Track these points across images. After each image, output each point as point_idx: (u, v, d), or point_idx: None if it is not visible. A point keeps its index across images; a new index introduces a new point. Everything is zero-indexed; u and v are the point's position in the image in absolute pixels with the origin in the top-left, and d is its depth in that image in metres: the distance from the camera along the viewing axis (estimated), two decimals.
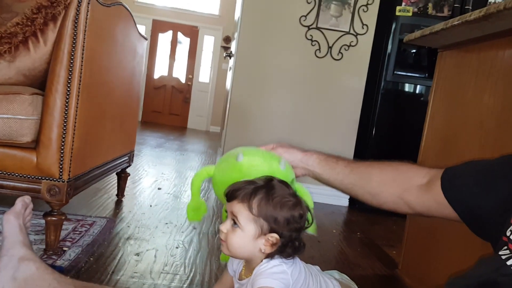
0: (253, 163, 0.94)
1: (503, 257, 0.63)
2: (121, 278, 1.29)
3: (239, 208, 0.83)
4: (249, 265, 0.88)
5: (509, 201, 0.75)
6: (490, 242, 0.83)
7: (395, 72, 2.76)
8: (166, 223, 1.87)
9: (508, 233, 0.64)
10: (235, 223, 0.83)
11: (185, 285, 1.30)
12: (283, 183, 0.87)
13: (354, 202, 2.87)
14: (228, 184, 0.90)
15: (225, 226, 0.85)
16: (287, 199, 0.83)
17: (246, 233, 0.82)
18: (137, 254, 1.48)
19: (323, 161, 1.06)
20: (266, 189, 0.83)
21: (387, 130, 2.81)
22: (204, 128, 8.00)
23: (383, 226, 2.51)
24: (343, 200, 2.90)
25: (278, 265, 0.83)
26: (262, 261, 0.85)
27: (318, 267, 0.96)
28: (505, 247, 0.64)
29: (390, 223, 2.63)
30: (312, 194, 2.90)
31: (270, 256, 0.84)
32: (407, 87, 2.83)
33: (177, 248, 1.59)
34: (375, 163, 1.05)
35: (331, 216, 2.57)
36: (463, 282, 0.67)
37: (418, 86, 2.82)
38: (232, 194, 0.85)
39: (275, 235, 0.82)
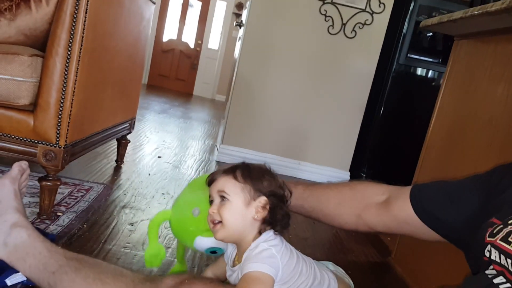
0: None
1: (490, 276, 0.62)
2: (113, 248, 1.28)
3: (225, 181, 0.87)
4: (240, 249, 0.87)
5: (478, 216, 0.75)
6: (463, 251, 0.84)
7: (408, 55, 2.68)
8: (163, 194, 1.87)
9: (487, 254, 0.64)
10: (223, 199, 0.86)
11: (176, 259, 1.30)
12: (258, 163, 0.93)
13: None
14: (184, 235, 0.97)
15: (214, 207, 0.87)
16: (265, 170, 0.90)
17: (236, 203, 0.85)
18: (131, 224, 1.48)
19: None
20: (245, 164, 0.90)
21: (394, 115, 2.76)
22: (209, 96, 7.94)
23: None
24: None
25: (266, 249, 0.83)
26: (252, 242, 0.84)
27: (311, 259, 0.95)
28: (491, 267, 0.63)
29: None
30: (312, 173, 2.90)
31: (263, 225, 0.86)
32: (419, 71, 2.76)
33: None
34: (333, 184, 1.05)
35: None
36: None
37: (431, 71, 2.75)
38: (213, 176, 0.90)
39: (263, 197, 0.85)
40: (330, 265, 1.03)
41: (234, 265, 0.89)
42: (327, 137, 2.84)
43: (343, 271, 1.03)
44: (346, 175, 2.89)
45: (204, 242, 0.95)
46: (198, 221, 0.93)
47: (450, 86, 1.54)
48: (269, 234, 0.86)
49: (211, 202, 0.90)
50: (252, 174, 0.87)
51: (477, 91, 1.36)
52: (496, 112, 1.23)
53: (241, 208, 0.85)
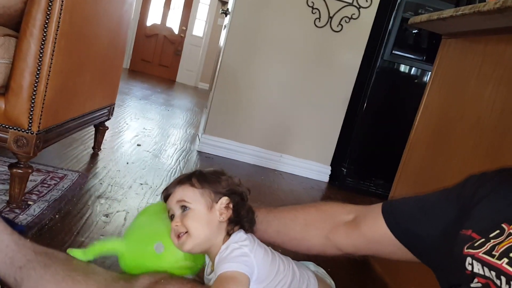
0: (175, 257, 0.87)
1: None
2: (86, 240, 1.24)
3: (183, 191, 0.85)
4: (212, 256, 0.85)
5: (452, 228, 0.73)
6: (434, 270, 0.82)
7: (393, 51, 2.67)
8: (141, 184, 1.81)
9: (469, 267, 0.63)
10: (184, 210, 0.84)
11: None
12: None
13: (334, 179, 2.85)
14: (141, 271, 0.86)
15: (176, 219, 0.85)
16: (220, 172, 0.91)
17: (199, 209, 0.84)
18: (106, 215, 1.43)
19: None
20: (199, 171, 0.89)
21: (378, 111, 2.75)
22: (193, 84, 7.84)
23: None
24: (324, 176, 2.88)
25: (237, 248, 0.81)
26: (223, 245, 0.83)
27: (289, 258, 0.92)
28: (475, 280, 0.62)
29: (367, 202, 2.61)
30: (293, 166, 2.89)
31: (230, 226, 0.85)
32: (403, 68, 2.75)
33: None
34: (299, 206, 1.02)
35: (310, 192, 2.54)
36: None
37: (414, 69, 2.75)
38: (169, 189, 0.88)
39: (224, 197, 0.85)
40: (311, 265, 1.00)
41: (209, 273, 0.86)
42: (309, 131, 2.82)
43: (325, 272, 1.00)
44: (327, 169, 2.88)
45: None
46: (162, 259, 0.86)
47: (437, 85, 1.52)
48: (238, 234, 0.85)
49: (171, 216, 0.87)
50: (208, 178, 0.87)
51: (465, 91, 1.35)
52: (484, 113, 1.22)
53: (204, 213, 0.83)
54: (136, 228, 0.94)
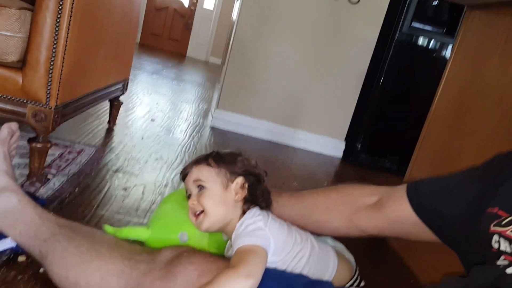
0: (199, 245, 0.90)
1: (501, 266, 0.61)
2: (105, 214, 1.25)
3: (199, 170, 0.88)
4: (230, 234, 0.86)
5: (475, 208, 0.73)
6: (457, 251, 0.83)
7: (412, 24, 2.60)
8: (157, 159, 1.82)
9: (495, 245, 0.62)
10: (200, 189, 0.86)
11: None
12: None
13: (348, 154, 2.84)
14: None
15: (192, 198, 0.87)
16: (237, 153, 0.93)
17: (215, 188, 0.86)
18: (125, 189, 1.44)
19: None
20: (216, 151, 0.92)
21: (394, 85, 2.70)
22: (203, 58, 7.77)
23: (373, 183, 2.48)
24: (337, 151, 2.86)
25: (251, 223, 0.82)
26: (237, 223, 0.84)
27: (308, 232, 0.93)
28: (502, 258, 0.62)
29: (381, 179, 2.62)
30: (307, 141, 2.88)
31: (246, 205, 0.86)
32: (422, 41, 2.68)
33: (165, 186, 1.55)
34: (319, 190, 1.02)
35: (323, 167, 2.54)
36: (461, 283, 0.64)
37: (433, 42, 2.67)
38: (186, 170, 0.91)
39: (240, 177, 0.88)
40: (329, 239, 1.00)
41: (227, 251, 0.88)
42: (324, 105, 2.79)
43: (343, 246, 1.01)
44: (341, 145, 2.86)
45: None
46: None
47: (459, 60, 1.49)
48: (253, 211, 0.86)
49: (188, 196, 0.89)
50: (225, 159, 0.89)
51: (488, 67, 1.31)
52: (508, 90, 1.19)
53: (220, 192, 0.85)
54: (160, 217, 0.97)
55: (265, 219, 0.84)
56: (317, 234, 0.98)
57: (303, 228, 0.95)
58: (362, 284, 0.94)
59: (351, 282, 0.92)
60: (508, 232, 0.61)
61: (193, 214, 0.86)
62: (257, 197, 0.89)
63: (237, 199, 0.86)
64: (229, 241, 0.90)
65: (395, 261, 1.48)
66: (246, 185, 0.88)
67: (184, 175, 0.92)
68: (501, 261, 0.61)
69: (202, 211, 0.85)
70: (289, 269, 0.83)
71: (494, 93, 1.25)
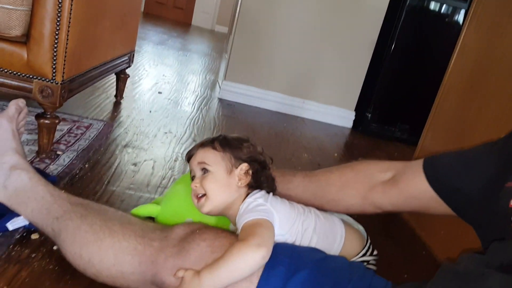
0: None
1: None
2: (116, 189, 1.25)
3: (204, 153, 0.88)
4: (233, 219, 0.86)
5: (495, 183, 0.71)
6: (475, 226, 0.81)
7: None
8: (166, 133, 1.81)
9: None
10: (204, 172, 0.86)
11: None
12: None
13: (358, 124, 2.80)
14: None
15: (196, 181, 0.87)
16: (243, 139, 0.92)
17: (219, 172, 0.85)
18: (134, 164, 1.44)
19: (280, 177, 1.00)
20: (222, 135, 0.91)
21: (405, 53, 2.64)
22: (209, 27, 7.63)
23: (385, 153, 2.47)
24: (347, 122, 2.83)
25: (252, 201, 0.83)
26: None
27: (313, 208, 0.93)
28: None
29: (391, 148, 2.60)
30: (316, 112, 2.85)
31: (249, 191, 0.86)
32: (434, 6, 2.59)
33: (175, 161, 1.55)
34: (334, 168, 1.01)
35: (333, 138, 2.51)
36: (481, 259, 0.62)
37: (445, 6, 2.58)
38: (191, 151, 0.91)
39: (244, 164, 0.87)
40: (336, 214, 0.99)
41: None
42: (333, 75, 2.74)
43: (351, 218, 1.00)
44: (351, 115, 2.83)
45: None
46: None
47: (474, 26, 1.43)
48: (254, 193, 0.86)
49: (192, 177, 0.89)
50: (231, 143, 0.89)
51: (505, 33, 1.26)
52: None
53: (224, 177, 0.85)
54: (172, 198, 1.00)
55: (264, 197, 0.85)
56: (334, 211, 0.97)
57: (318, 207, 0.94)
58: (375, 253, 0.94)
59: (363, 252, 0.92)
60: None
61: (195, 196, 0.87)
62: (261, 183, 0.89)
63: (240, 184, 0.86)
64: (231, 226, 0.91)
65: (406, 233, 1.48)
66: (250, 172, 0.87)
67: (189, 156, 0.92)
68: None
69: (204, 194, 0.86)
70: (298, 242, 0.83)
71: (509, 62, 1.20)
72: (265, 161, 0.92)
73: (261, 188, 0.88)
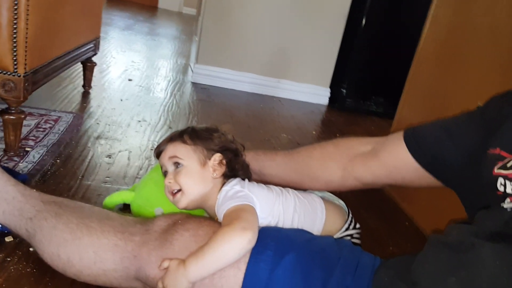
0: None
1: (508, 209, 0.59)
2: (92, 183, 1.20)
3: (175, 147, 0.85)
4: (211, 211, 0.84)
5: (479, 151, 0.71)
6: (459, 193, 0.82)
7: None
8: (139, 121, 1.75)
9: (500, 188, 0.61)
10: (176, 166, 0.84)
11: None
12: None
13: (334, 101, 2.80)
14: None
15: (169, 176, 0.84)
16: (212, 129, 0.90)
17: (192, 166, 0.83)
18: (109, 156, 1.38)
19: (261, 156, 1.00)
20: (190, 128, 0.89)
21: (377, 26, 2.62)
22: (176, 9, 7.44)
23: (362, 128, 2.48)
24: (323, 99, 2.82)
25: (229, 189, 0.81)
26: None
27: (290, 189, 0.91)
28: (507, 201, 0.60)
29: (368, 123, 2.61)
30: (291, 91, 2.82)
31: (224, 180, 0.85)
32: None
33: (152, 149, 1.50)
34: (316, 144, 1.00)
35: (310, 116, 2.50)
36: (470, 230, 0.62)
37: None
38: (161, 146, 0.88)
39: (217, 154, 0.85)
40: (316, 192, 0.98)
41: None
42: (306, 53, 2.71)
43: (331, 195, 0.98)
44: (327, 92, 2.82)
45: None
46: None
47: None
48: (229, 181, 0.85)
49: (164, 173, 0.87)
50: (200, 135, 0.86)
51: (474, 1, 1.25)
52: (500, 21, 1.14)
53: (198, 169, 0.83)
54: (145, 185, 0.98)
55: (241, 183, 0.84)
56: (311, 190, 0.96)
57: (299, 184, 0.93)
58: (358, 226, 0.93)
59: (346, 226, 0.91)
60: None
61: (170, 192, 0.84)
62: (236, 171, 0.87)
63: (215, 175, 0.84)
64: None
65: (389, 205, 1.49)
66: (224, 161, 0.85)
67: (158, 152, 0.88)
68: (507, 204, 0.60)
69: (180, 190, 0.83)
70: (280, 223, 0.82)
71: (485, 26, 1.20)
72: (237, 148, 0.90)
73: (236, 176, 0.87)
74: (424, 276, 0.61)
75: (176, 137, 0.87)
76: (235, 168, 0.87)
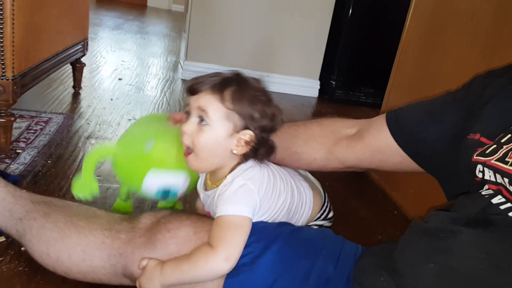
0: (165, 152, 0.83)
1: (486, 196, 0.60)
2: None
3: (209, 100, 0.71)
4: (214, 176, 0.79)
5: (460, 132, 0.71)
6: (439, 178, 0.83)
7: None
8: (129, 120, 1.76)
9: (479, 174, 0.61)
10: (202, 120, 0.72)
11: None
12: (253, 77, 0.77)
13: (323, 93, 2.82)
14: (133, 172, 0.85)
15: (190, 126, 0.73)
16: (261, 93, 0.74)
17: (217, 130, 0.71)
18: None
19: None
20: (238, 81, 0.73)
21: (364, 16, 2.64)
22: (166, 7, 7.42)
23: (351, 117, 2.49)
24: (313, 91, 2.84)
25: (242, 185, 0.73)
26: (228, 175, 0.75)
27: (285, 171, 0.87)
28: (485, 187, 0.61)
29: (358, 114, 2.63)
30: (281, 85, 2.82)
31: (243, 159, 0.76)
32: None
33: None
34: (300, 122, 0.98)
35: (300, 109, 2.52)
36: (449, 216, 0.63)
37: None
38: (197, 85, 0.72)
39: (249, 132, 0.72)
40: (301, 170, 0.98)
41: (207, 188, 0.82)
42: (295, 45, 2.73)
43: (312, 176, 0.99)
44: (316, 84, 2.83)
45: (156, 180, 0.84)
46: (151, 155, 0.82)
47: None
48: (247, 165, 0.76)
49: (187, 113, 0.75)
50: (243, 99, 0.71)
51: None
52: (479, 7, 1.17)
53: (220, 137, 0.72)
54: (128, 132, 0.92)
55: (256, 178, 0.75)
56: (294, 167, 0.94)
57: (280, 162, 0.89)
58: (331, 215, 0.93)
59: (321, 212, 0.92)
60: (492, 161, 0.59)
61: (185, 146, 0.76)
62: (259, 155, 0.76)
63: (235, 152, 0.73)
64: (203, 176, 0.83)
65: (377, 194, 1.52)
66: (252, 143, 0.73)
67: (192, 90, 0.73)
68: (486, 191, 0.61)
69: (192, 151, 0.74)
70: (270, 220, 0.79)
71: (465, 11, 1.22)
72: (274, 127, 0.75)
73: (255, 158, 0.77)
74: (404, 262, 0.62)
75: (217, 88, 0.71)
76: (258, 151, 0.75)
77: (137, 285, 0.72)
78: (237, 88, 0.72)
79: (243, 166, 0.76)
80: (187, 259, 0.69)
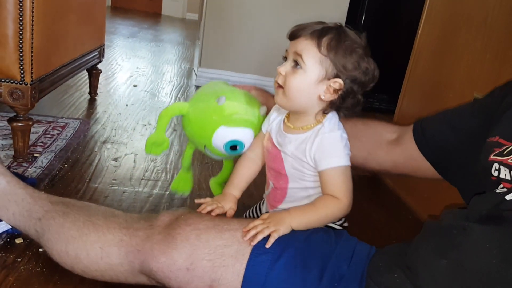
0: (235, 109, 0.88)
1: (500, 193, 0.60)
2: (99, 186, 1.23)
3: (306, 45, 0.75)
4: (298, 120, 0.81)
5: (479, 138, 0.73)
6: (459, 186, 0.84)
7: None
8: (145, 125, 1.79)
9: (495, 173, 0.62)
10: (296, 65, 0.76)
11: (167, 192, 1.27)
12: (356, 31, 0.79)
13: None
14: (205, 126, 0.89)
15: (285, 67, 0.78)
16: (358, 46, 0.76)
17: (308, 75, 0.75)
18: (115, 160, 1.42)
19: None
20: (338, 31, 0.76)
21: (377, 23, 2.63)
22: (180, 15, 7.51)
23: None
24: None
25: (342, 138, 0.77)
26: (325, 121, 0.78)
27: None
28: (501, 186, 0.62)
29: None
30: None
31: (328, 107, 0.78)
32: None
33: None
34: (346, 118, 0.98)
35: None
36: (462, 213, 0.63)
37: None
38: (298, 31, 0.77)
39: (339, 80, 0.75)
40: None
41: (287, 130, 0.82)
42: None
43: None
44: None
45: (227, 133, 0.87)
46: (223, 109, 0.87)
47: None
48: (334, 121, 0.79)
49: (284, 58, 0.80)
50: (339, 48, 0.74)
51: None
52: (492, 12, 1.16)
53: (311, 82, 0.75)
54: (200, 91, 0.96)
55: (340, 124, 0.80)
56: None
57: None
58: (346, 224, 0.94)
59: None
60: (509, 160, 0.60)
61: (276, 83, 0.79)
62: (344, 105, 0.78)
63: (323, 98, 0.76)
64: (274, 132, 0.85)
65: (391, 199, 1.51)
66: (340, 92, 0.76)
67: (293, 36, 0.78)
68: (500, 189, 0.61)
69: (282, 87, 0.78)
70: None
71: (478, 16, 1.22)
72: (365, 83, 0.77)
73: (340, 110, 0.80)
74: (417, 259, 0.62)
75: (316, 35, 0.75)
76: (345, 102, 0.77)
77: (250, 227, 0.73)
78: (335, 37, 0.75)
79: (332, 117, 0.79)
80: (314, 209, 0.76)
